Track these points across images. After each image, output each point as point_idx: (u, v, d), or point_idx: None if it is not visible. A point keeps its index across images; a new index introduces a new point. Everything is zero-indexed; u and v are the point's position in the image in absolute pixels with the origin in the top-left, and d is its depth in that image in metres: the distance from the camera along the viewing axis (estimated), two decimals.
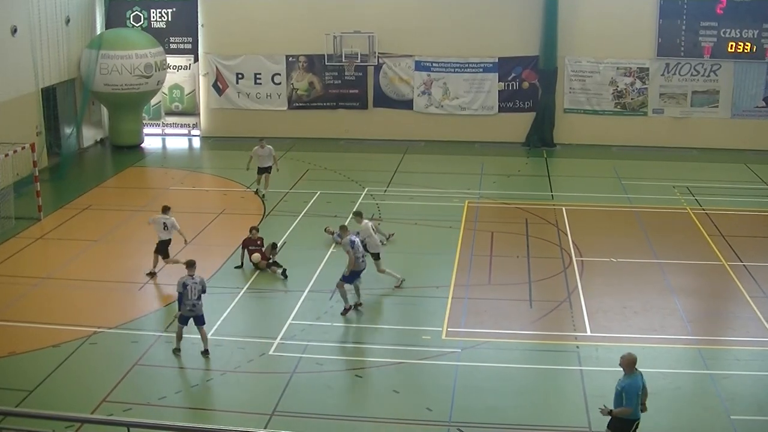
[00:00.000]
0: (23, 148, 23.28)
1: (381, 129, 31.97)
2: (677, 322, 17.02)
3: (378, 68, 31.54)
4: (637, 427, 11.83)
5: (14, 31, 26.42)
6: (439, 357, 15.52)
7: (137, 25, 32.18)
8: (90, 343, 16.11)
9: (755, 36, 29.68)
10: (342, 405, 14.31)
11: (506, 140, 31.39)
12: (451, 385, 14.57)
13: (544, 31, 30.49)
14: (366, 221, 19.07)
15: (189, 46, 32.37)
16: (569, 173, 28.16)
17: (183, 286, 15.47)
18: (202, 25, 32.17)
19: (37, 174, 23.55)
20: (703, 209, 23.80)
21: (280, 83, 32.24)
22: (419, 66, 31.57)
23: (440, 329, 16.59)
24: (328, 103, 32.28)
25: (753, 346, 16.01)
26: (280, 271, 19.27)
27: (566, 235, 21.83)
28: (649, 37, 30.32)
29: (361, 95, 32.02)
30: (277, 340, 16.12)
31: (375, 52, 30.86)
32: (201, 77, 32.58)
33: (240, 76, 32.31)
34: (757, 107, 30.38)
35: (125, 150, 30.91)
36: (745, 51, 29.81)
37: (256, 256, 19.49)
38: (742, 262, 20.00)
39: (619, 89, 30.91)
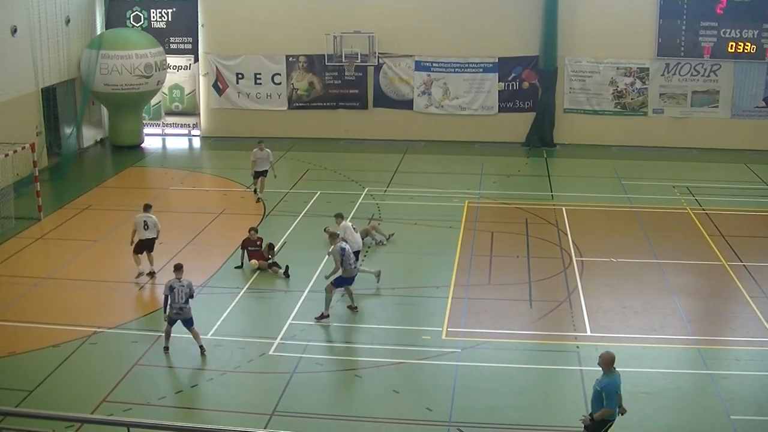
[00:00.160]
0: (23, 148, 23.29)
1: (381, 129, 31.97)
2: (677, 322, 17.02)
3: (378, 68, 31.54)
4: (610, 426, 11.80)
5: (14, 31, 26.42)
6: (439, 357, 15.52)
7: (137, 25, 32.18)
8: (90, 343, 16.12)
9: (755, 36, 29.67)
10: (342, 405, 14.32)
11: (506, 140, 31.39)
12: (451, 385, 14.57)
13: (544, 31, 30.49)
14: (345, 222, 19.10)
15: (189, 46, 32.38)
16: (569, 173, 28.16)
17: (170, 289, 15.50)
18: (202, 25, 32.17)
19: (37, 174, 23.55)
20: (703, 209, 23.81)
21: (280, 83, 32.25)
22: (419, 66, 31.57)
23: (440, 329, 16.59)
24: (328, 103, 32.28)
25: (753, 346, 16.01)
26: (281, 271, 19.28)
27: (566, 235, 21.83)
28: (649, 37, 30.32)
29: (361, 95, 32.02)
30: (277, 340, 16.12)
31: (375, 52, 30.85)
32: (201, 77, 32.58)
33: (240, 76, 32.32)
34: (757, 107, 30.37)
35: (125, 150, 30.90)
36: (745, 51, 29.80)
37: (254, 262, 19.49)
38: (742, 262, 20.00)
39: (619, 89, 30.91)
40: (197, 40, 32.29)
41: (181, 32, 32.29)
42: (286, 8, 31.53)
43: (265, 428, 13.13)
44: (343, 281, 17.14)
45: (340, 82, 31.93)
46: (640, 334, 16.45)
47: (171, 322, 15.60)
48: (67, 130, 29.83)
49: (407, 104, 31.91)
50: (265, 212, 23.78)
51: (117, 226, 22.59)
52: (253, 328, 16.98)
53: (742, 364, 15.40)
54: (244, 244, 19.78)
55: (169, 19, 32.27)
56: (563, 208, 23.90)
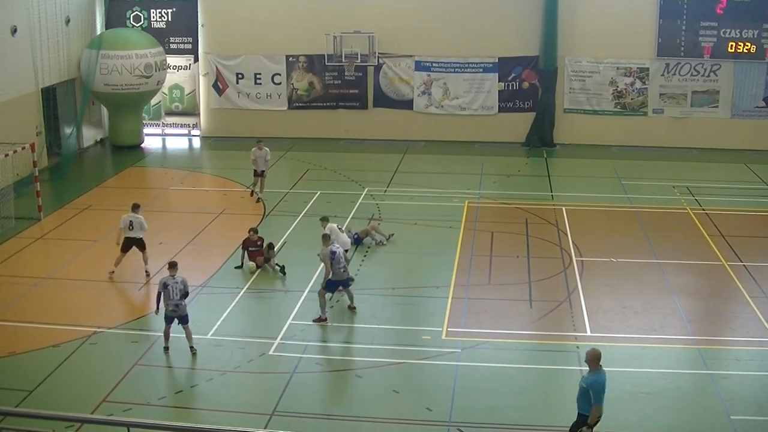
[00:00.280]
0: (23, 148, 23.29)
1: (381, 129, 31.97)
2: (677, 322, 17.02)
3: (378, 68, 31.54)
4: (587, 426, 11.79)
5: (14, 31, 26.42)
6: (439, 357, 15.52)
7: (137, 25, 32.18)
8: (90, 343, 16.12)
9: (755, 36, 29.68)
10: (342, 405, 14.32)
11: (506, 140, 31.38)
12: (451, 385, 14.57)
13: (544, 31, 30.49)
14: (330, 224, 19.12)
15: (189, 46, 32.38)
16: (569, 173, 28.16)
17: (164, 286, 15.56)
18: (202, 25, 32.17)
19: (37, 174, 23.56)
20: (703, 209, 23.81)
21: (280, 83, 32.25)
22: (419, 66, 31.57)
23: (440, 329, 16.59)
24: (328, 103, 32.28)
25: (753, 346, 16.01)
26: (278, 267, 19.32)
27: (566, 235, 21.83)
28: (649, 37, 30.33)
29: (361, 95, 32.02)
30: (277, 340, 16.12)
31: (375, 52, 30.85)
32: (201, 77, 32.58)
33: (240, 76, 32.32)
34: (757, 107, 30.37)
35: (125, 150, 30.90)
36: (745, 51, 29.80)
37: (252, 265, 19.48)
38: (742, 262, 20.00)
39: (619, 89, 30.91)
40: (197, 40, 32.30)
41: (181, 32, 32.29)
42: (286, 8, 31.53)
43: (265, 428, 13.14)
44: (334, 284, 17.04)
45: (340, 82, 31.93)
46: (640, 334, 16.45)
47: (168, 320, 15.62)
48: (67, 130, 29.84)
49: (407, 104, 31.91)
50: (265, 212, 23.78)
51: (117, 226, 22.54)
52: (253, 328, 16.98)
53: (742, 364, 15.39)
54: (245, 245, 19.79)
55: (169, 19, 32.27)
56: (563, 208, 23.89)
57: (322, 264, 17.47)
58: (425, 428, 13.40)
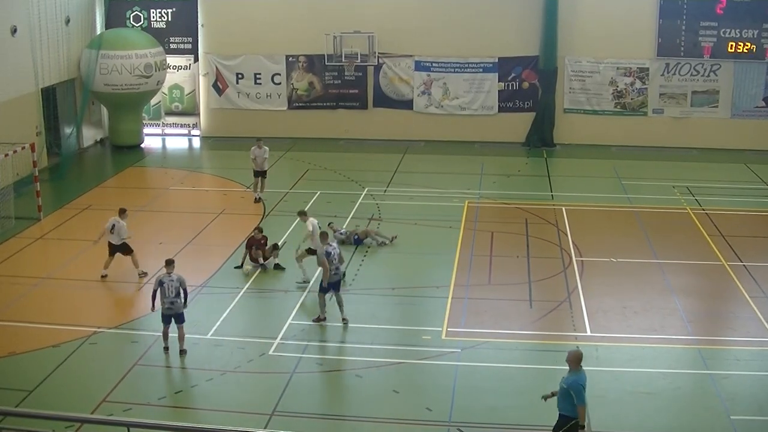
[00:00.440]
0: (23, 148, 23.29)
1: (381, 129, 31.97)
2: (677, 322, 17.02)
3: (378, 68, 31.54)
4: (575, 424, 11.76)
5: (14, 31, 26.42)
6: (439, 357, 15.52)
7: (137, 25, 32.18)
8: (90, 343, 16.12)
9: (755, 36, 29.67)
10: (342, 405, 14.33)
11: (506, 140, 31.38)
12: (451, 385, 14.57)
13: (544, 31, 30.49)
14: (311, 219, 19.08)
15: (189, 46, 32.38)
16: (569, 173, 28.16)
17: (159, 284, 15.55)
18: (202, 25, 32.17)
19: (37, 174, 23.56)
20: (703, 209, 23.81)
21: (280, 83, 32.25)
22: (419, 66, 31.57)
23: (440, 329, 16.59)
24: (328, 103, 32.28)
25: (753, 346, 16.01)
26: (275, 262, 19.46)
27: (566, 235, 21.83)
28: (649, 37, 30.32)
29: (361, 95, 32.02)
30: (277, 340, 16.12)
31: (375, 52, 30.84)
32: (201, 77, 32.58)
33: (240, 76, 32.32)
34: (757, 107, 30.37)
35: (125, 150, 30.90)
36: (745, 51, 29.80)
37: (247, 268, 19.47)
38: (742, 262, 20.00)
39: (619, 89, 30.91)
40: (197, 40, 32.30)
41: (181, 32, 32.29)
42: (286, 8, 31.54)
43: (265, 428, 13.13)
44: (329, 286, 16.76)
45: (340, 82, 31.93)
46: (640, 334, 16.45)
47: (165, 320, 15.60)
48: (67, 130, 29.83)
49: (407, 104, 31.90)
50: (265, 212, 23.78)
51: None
52: (253, 328, 16.98)
53: (742, 364, 15.39)
54: (249, 244, 19.79)
55: (169, 19, 32.27)
56: (563, 208, 23.90)
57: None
58: (425, 428, 13.41)
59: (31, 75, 27.25)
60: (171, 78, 32.31)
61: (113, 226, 19.13)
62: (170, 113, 33.13)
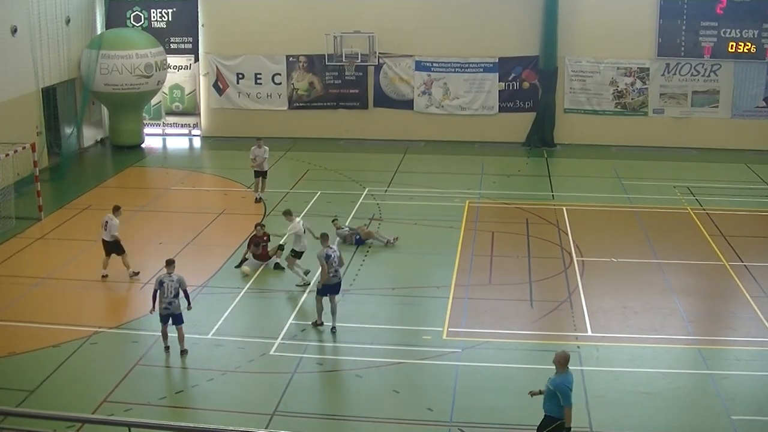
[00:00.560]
0: (23, 148, 23.29)
1: (381, 129, 31.97)
2: (677, 322, 17.02)
3: (378, 68, 31.54)
4: (561, 426, 11.76)
5: (14, 31, 26.42)
6: (440, 357, 15.52)
7: (137, 25, 32.17)
8: (90, 343, 16.12)
9: (755, 36, 29.66)
10: (342, 405, 14.33)
11: (506, 140, 31.38)
12: (451, 385, 14.57)
13: (544, 31, 30.49)
14: (297, 219, 19.04)
15: (189, 46, 32.38)
16: (569, 173, 28.15)
17: (159, 284, 15.53)
18: (203, 25, 32.18)
19: (37, 174, 23.57)
20: (704, 209, 23.81)
21: (280, 83, 32.25)
22: (419, 66, 31.57)
23: (441, 329, 16.59)
24: (328, 103, 32.28)
25: (753, 346, 16.01)
26: (275, 262, 19.44)
27: (567, 235, 21.83)
28: (649, 37, 30.32)
29: (361, 95, 32.02)
30: (278, 340, 16.12)
31: (375, 52, 30.84)
32: (201, 77, 32.58)
33: (240, 76, 32.32)
34: (757, 107, 30.37)
35: (125, 150, 30.90)
36: (745, 51, 29.80)
37: (246, 269, 19.43)
38: (742, 262, 20.00)
39: (619, 89, 30.91)
40: (197, 40, 32.30)
41: (181, 32, 32.29)
42: (286, 8, 31.54)
43: (265, 428, 13.13)
44: (324, 288, 16.59)
45: (341, 82, 31.93)
46: (641, 334, 16.45)
47: (164, 320, 15.59)
48: (68, 130, 29.83)
49: (407, 104, 31.91)
50: (265, 212, 23.78)
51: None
52: (254, 328, 16.98)
53: (743, 364, 15.39)
54: (251, 241, 19.79)
55: (170, 19, 32.27)
56: (564, 208, 23.90)
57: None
58: (426, 428, 13.41)
59: (32, 75, 27.25)
60: (171, 78, 32.31)
61: (106, 222, 19.12)
62: (171, 113, 33.12)
